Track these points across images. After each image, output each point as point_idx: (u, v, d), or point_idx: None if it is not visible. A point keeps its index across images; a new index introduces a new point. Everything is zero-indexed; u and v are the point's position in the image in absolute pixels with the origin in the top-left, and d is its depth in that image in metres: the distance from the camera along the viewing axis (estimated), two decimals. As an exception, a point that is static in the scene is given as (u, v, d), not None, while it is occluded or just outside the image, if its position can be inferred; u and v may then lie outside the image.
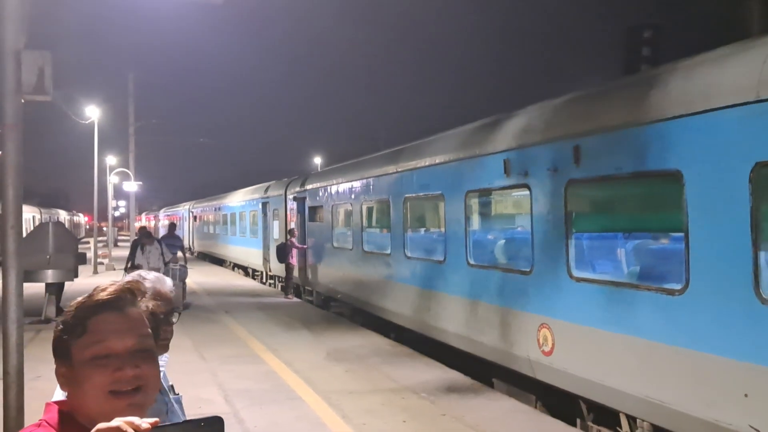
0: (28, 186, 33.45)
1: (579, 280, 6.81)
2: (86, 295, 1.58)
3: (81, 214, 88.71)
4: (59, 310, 13.87)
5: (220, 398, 8.20)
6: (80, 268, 15.55)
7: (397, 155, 12.24)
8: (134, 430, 1.28)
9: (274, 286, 22.25)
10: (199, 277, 25.19)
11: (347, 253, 14.81)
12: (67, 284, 14.98)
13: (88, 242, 41.50)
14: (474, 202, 9.50)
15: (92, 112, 29.27)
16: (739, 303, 4.95)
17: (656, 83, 5.98)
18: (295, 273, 18.96)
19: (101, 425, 1.29)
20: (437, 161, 10.27)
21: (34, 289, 14.22)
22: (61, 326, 1.54)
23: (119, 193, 54.48)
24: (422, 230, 12.15)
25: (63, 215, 61.27)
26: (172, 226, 20.04)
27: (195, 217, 42.72)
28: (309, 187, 18.10)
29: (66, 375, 1.52)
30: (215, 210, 34.72)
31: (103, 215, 49.22)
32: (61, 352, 1.52)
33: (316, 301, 17.95)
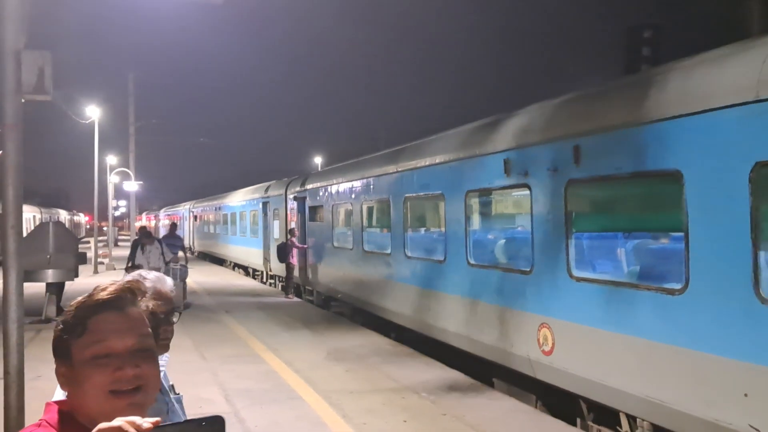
0: (29, 186, 33.41)
1: (579, 279, 6.82)
2: (86, 294, 1.58)
3: (81, 214, 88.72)
4: (59, 310, 13.87)
5: (220, 398, 8.21)
6: (80, 267, 15.55)
7: (397, 155, 12.24)
8: (136, 429, 1.28)
9: (275, 286, 22.25)
10: (200, 276, 25.18)
11: (347, 253, 14.81)
12: (68, 284, 14.99)
13: (88, 242, 41.47)
14: (474, 202, 9.50)
15: (92, 112, 29.33)
16: (738, 303, 4.95)
17: (656, 83, 5.98)
18: (296, 273, 18.97)
19: (102, 425, 1.29)
20: (437, 161, 10.27)
21: (35, 288, 14.22)
22: (61, 326, 1.54)
23: (119, 193, 54.55)
24: (422, 230, 12.14)
25: (63, 215, 61.27)
26: (173, 226, 20.09)
27: (195, 217, 42.71)
28: (309, 186, 18.10)
29: (66, 375, 1.52)
30: (216, 210, 34.72)
31: (103, 215, 49.26)
32: (62, 351, 1.52)
33: (317, 301, 17.95)
